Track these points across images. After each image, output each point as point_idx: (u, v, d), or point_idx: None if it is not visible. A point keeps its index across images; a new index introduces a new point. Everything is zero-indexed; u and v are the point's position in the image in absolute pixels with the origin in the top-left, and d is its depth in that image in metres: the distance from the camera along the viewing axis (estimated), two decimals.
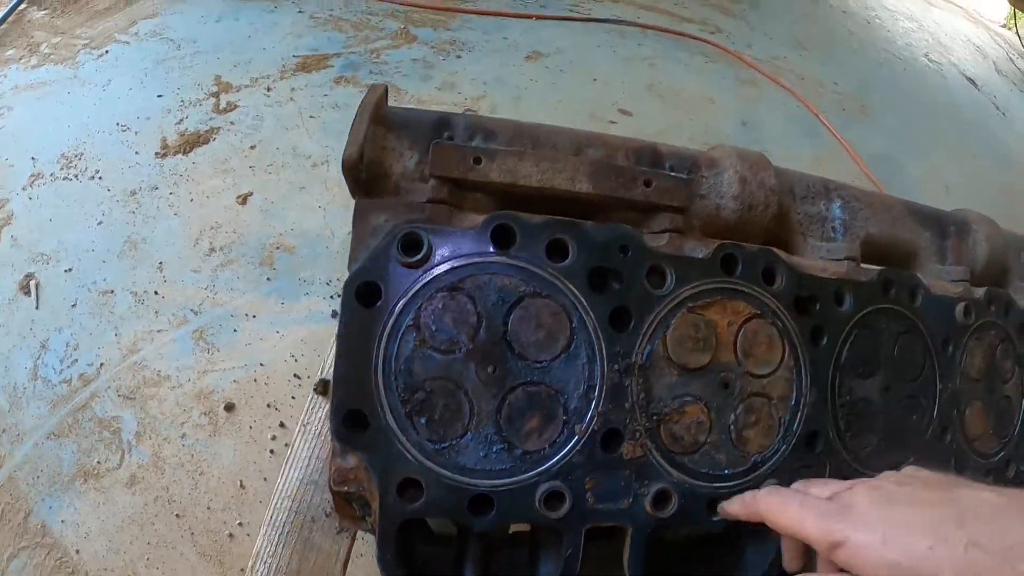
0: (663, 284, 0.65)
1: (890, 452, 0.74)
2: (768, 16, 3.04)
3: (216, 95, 1.94)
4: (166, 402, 1.32)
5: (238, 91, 1.96)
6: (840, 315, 0.72)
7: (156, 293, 1.45)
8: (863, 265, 0.78)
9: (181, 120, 1.84)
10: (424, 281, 0.60)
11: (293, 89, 2.00)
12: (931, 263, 0.85)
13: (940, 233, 0.86)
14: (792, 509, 0.54)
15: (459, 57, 2.26)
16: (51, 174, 1.68)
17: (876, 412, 0.74)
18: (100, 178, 1.67)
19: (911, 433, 0.76)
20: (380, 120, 0.68)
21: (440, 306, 0.60)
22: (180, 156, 1.71)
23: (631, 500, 0.62)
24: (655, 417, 0.63)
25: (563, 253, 0.63)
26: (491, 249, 0.62)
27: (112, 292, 1.44)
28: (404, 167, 0.67)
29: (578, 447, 0.61)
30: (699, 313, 0.65)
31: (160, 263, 1.48)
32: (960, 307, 0.79)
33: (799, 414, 0.68)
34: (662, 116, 2.25)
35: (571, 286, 0.62)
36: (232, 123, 1.83)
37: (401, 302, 0.59)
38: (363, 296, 0.60)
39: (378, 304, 0.59)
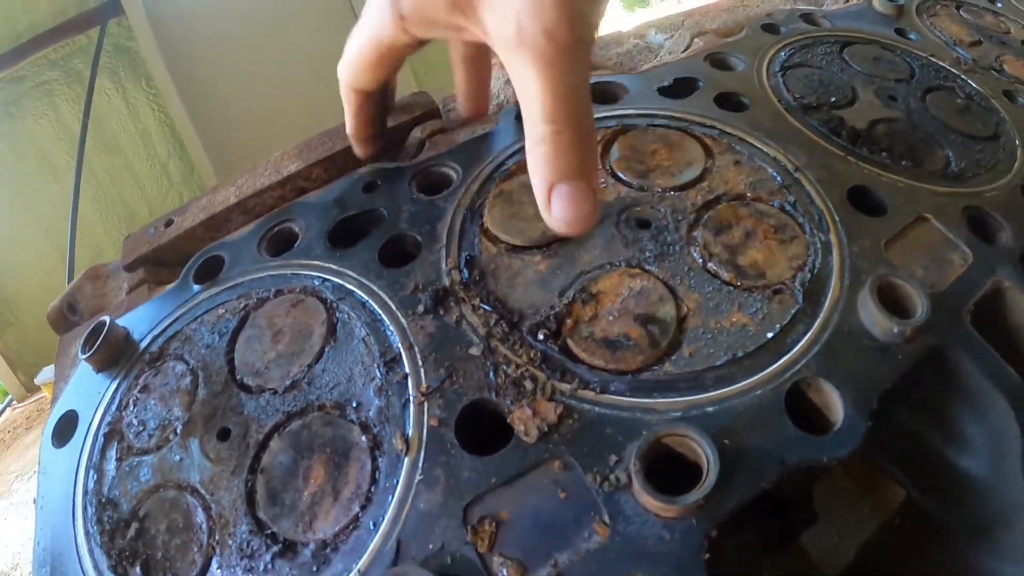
0: (448, 182, 0.46)
1: (975, 149, 0.48)
2: None
3: None
4: None
5: None
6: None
7: None
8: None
9: None
10: (123, 374, 0.43)
11: None
12: None
13: None
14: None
15: None
16: None
17: (912, 125, 0.49)
18: None
19: (978, 124, 0.50)
20: (97, 275, 0.56)
21: (142, 389, 0.42)
22: None
23: (598, 522, 0.30)
24: (543, 334, 0.37)
25: (288, 242, 0.46)
26: (194, 291, 0.45)
27: None
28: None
29: (420, 475, 0.33)
30: (520, 176, 0.45)
31: None
32: None
33: (811, 185, 0.42)
34: None
35: (307, 262, 0.44)
36: None
37: (98, 414, 0.42)
38: (61, 435, 0.42)
39: (75, 434, 0.42)
